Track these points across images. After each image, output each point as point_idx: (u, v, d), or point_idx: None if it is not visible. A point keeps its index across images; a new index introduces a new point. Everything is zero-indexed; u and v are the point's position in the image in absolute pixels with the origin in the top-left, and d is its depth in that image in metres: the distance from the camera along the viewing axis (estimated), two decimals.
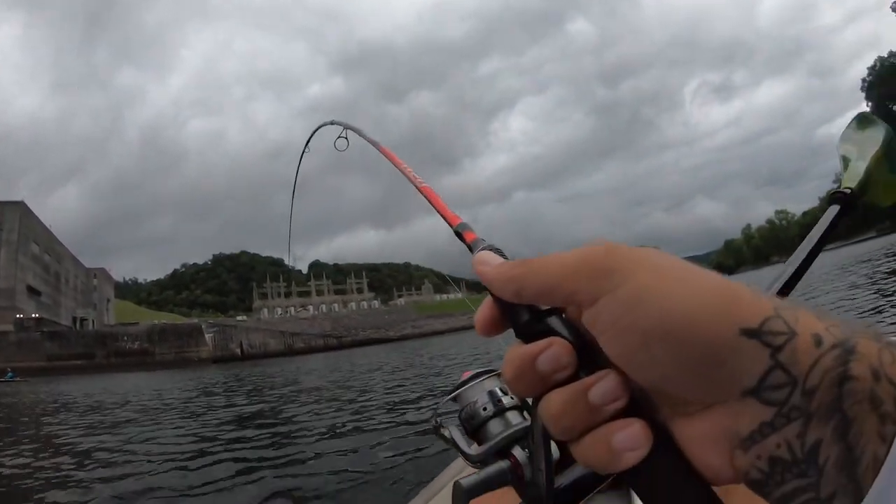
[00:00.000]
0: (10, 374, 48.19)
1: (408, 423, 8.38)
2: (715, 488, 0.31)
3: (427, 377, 15.19)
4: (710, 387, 0.29)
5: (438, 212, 0.60)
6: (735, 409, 0.29)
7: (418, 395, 11.50)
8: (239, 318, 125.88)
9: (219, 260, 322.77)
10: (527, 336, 0.35)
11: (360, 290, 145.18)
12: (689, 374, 0.29)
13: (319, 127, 1.29)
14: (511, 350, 0.35)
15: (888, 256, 26.08)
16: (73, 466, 7.29)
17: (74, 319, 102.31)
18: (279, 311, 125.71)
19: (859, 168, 0.96)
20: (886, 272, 17.91)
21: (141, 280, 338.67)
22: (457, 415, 0.76)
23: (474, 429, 0.73)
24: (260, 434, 8.88)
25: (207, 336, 77.19)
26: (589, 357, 0.33)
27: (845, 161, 1.00)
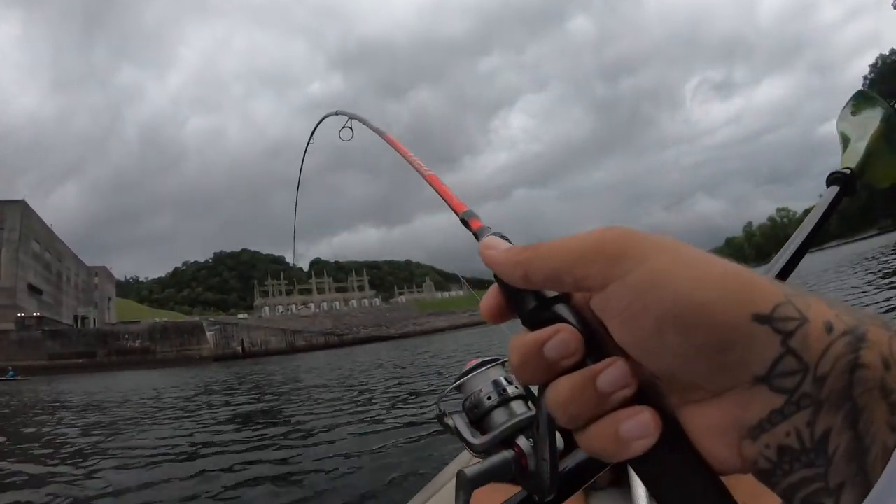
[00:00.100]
0: (11, 372, 48.28)
1: (411, 417, 8.37)
2: (722, 478, 0.31)
3: (428, 376, 15.17)
4: (721, 373, 0.29)
5: (444, 199, 0.59)
6: (745, 397, 0.29)
7: (421, 391, 11.49)
8: (240, 316, 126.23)
9: (220, 258, 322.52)
10: (533, 323, 0.35)
11: (361, 288, 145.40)
12: (700, 360, 0.29)
13: (325, 117, 1.28)
14: (518, 337, 0.34)
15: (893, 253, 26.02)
16: (71, 465, 7.25)
17: (76, 318, 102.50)
18: (280, 308, 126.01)
19: (859, 147, 0.93)
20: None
21: (142, 278, 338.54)
22: (461, 404, 0.75)
23: (478, 418, 0.72)
24: (261, 432, 8.85)
25: (209, 334, 77.39)
26: (596, 344, 0.33)
27: (844, 140, 0.97)
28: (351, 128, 1.11)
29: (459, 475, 0.66)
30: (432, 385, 12.45)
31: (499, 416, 0.70)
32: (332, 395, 13.65)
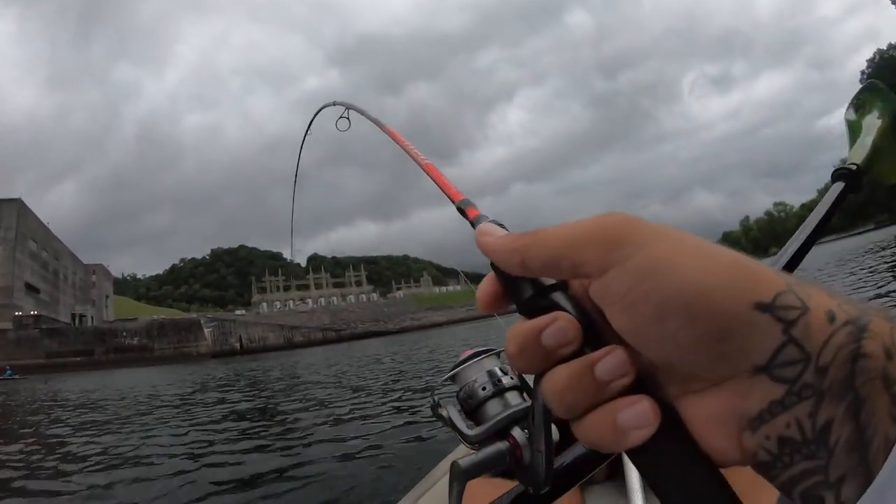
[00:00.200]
0: (8, 371, 48.22)
1: (408, 412, 8.38)
2: (721, 470, 0.30)
3: (426, 371, 15.10)
4: (722, 362, 0.28)
5: (441, 188, 0.59)
6: (745, 387, 0.28)
7: (418, 387, 11.43)
8: (238, 312, 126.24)
9: (217, 254, 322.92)
10: (530, 311, 0.34)
11: (358, 283, 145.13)
12: (700, 348, 0.28)
13: (322, 107, 1.28)
14: (515, 325, 0.34)
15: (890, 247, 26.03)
16: (66, 465, 7.23)
17: (73, 316, 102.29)
18: (278, 304, 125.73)
19: (866, 143, 0.92)
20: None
21: (139, 276, 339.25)
22: (455, 394, 0.74)
23: (472, 409, 0.71)
24: (258, 428, 8.83)
25: (206, 331, 77.29)
26: (595, 333, 0.32)
27: (851, 134, 0.96)
28: (348, 118, 1.10)
29: (453, 466, 0.66)
30: (429, 380, 12.39)
31: (493, 407, 0.69)
32: (329, 390, 13.63)
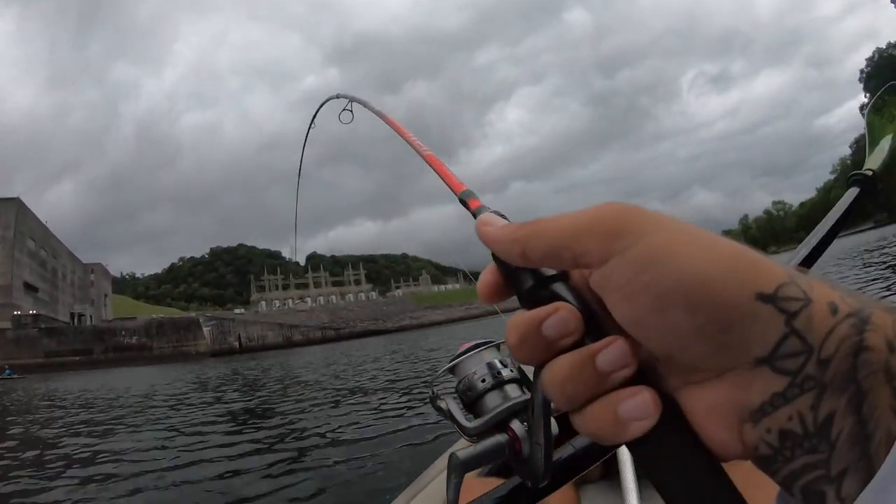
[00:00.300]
0: (7, 371, 48.20)
1: (407, 409, 8.38)
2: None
3: (425, 370, 15.09)
4: (723, 353, 0.28)
5: (443, 179, 0.58)
6: (746, 379, 0.28)
7: (417, 385, 11.42)
8: (237, 311, 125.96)
9: (216, 253, 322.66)
10: (531, 302, 0.34)
11: (357, 282, 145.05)
12: (701, 338, 0.28)
13: (327, 100, 1.28)
14: (515, 315, 0.33)
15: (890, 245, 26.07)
16: (62, 465, 7.21)
17: (72, 315, 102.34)
18: (277, 303, 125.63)
19: (883, 147, 0.90)
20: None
21: (138, 275, 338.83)
22: (454, 387, 0.74)
23: (472, 401, 0.71)
24: (257, 426, 8.81)
25: (205, 329, 77.35)
26: (596, 323, 0.32)
27: (870, 139, 0.94)
28: (351, 110, 1.10)
29: (451, 458, 0.65)
30: (427, 379, 12.37)
31: (493, 400, 0.69)
32: (327, 389, 13.61)
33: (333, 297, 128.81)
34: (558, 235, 0.32)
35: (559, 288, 0.34)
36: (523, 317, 0.33)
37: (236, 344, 77.23)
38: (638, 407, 0.29)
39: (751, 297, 0.27)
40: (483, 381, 0.70)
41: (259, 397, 13.99)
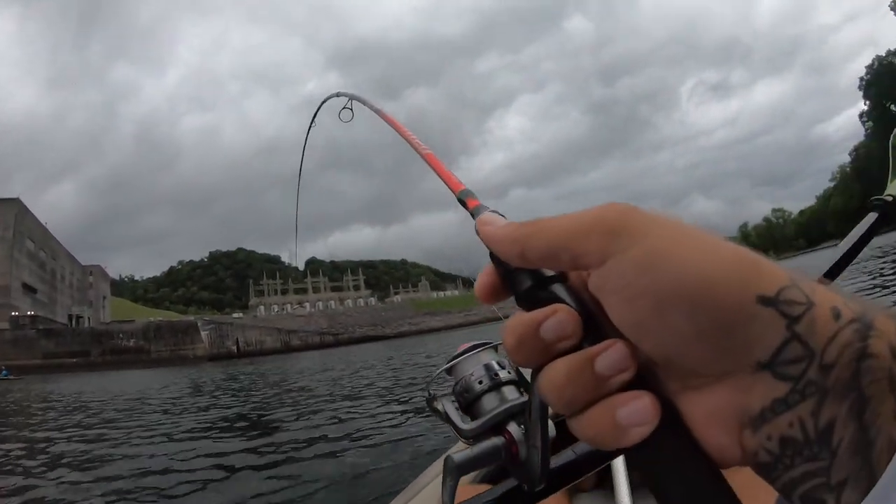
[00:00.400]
0: (4, 371, 48.01)
1: (405, 415, 8.37)
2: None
3: (423, 377, 15.04)
4: (723, 357, 0.28)
5: (442, 178, 0.58)
6: (747, 384, 0.28)
7: (415, 392, 11.37)
8: (235, 315, 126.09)
9: (215, 257, 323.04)
10: (529, 303, 0.34)
11: (356, 288, 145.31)
12: (701, 342, 0.28)
13: (328, 98, 1.26)
14: (513, 317, 0.33)
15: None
16: (51, 467, 7.16)
17: (70, 317, 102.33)
18: (276, 308, 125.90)
19: None
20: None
21: (137, 277, 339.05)
22: (451, 388, 0.73)
23: (469, 403, 0.70)
24: (254, 432, 8.76)
25: (203, 333, 77.29)
26: (595, 326, 0.31)
27: (893, 165, 0.94)
28: (351, 108, 1.10)
29: (447, 461, 0.64)
30: (425, 384, 12.34)
31: (490, 402, 0.68)
32: (324, 394, 13.57)
33: (332, 302, 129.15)
34: (557, 235, 0.31)
35: (558, 289, 0.33)
36: (521, 318, 0.32)
37: (234, 348, 77.18)
38: (637, 412, 0.29)
39: (752, 300, 0.27)
40: (480, 382, 0.70)
41: (254, 402, 13.92)
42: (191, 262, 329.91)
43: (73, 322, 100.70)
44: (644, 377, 0.30)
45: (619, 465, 1.00)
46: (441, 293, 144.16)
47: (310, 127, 1.52)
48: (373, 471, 5.51)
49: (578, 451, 0.67)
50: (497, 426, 0.65)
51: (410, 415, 8.35)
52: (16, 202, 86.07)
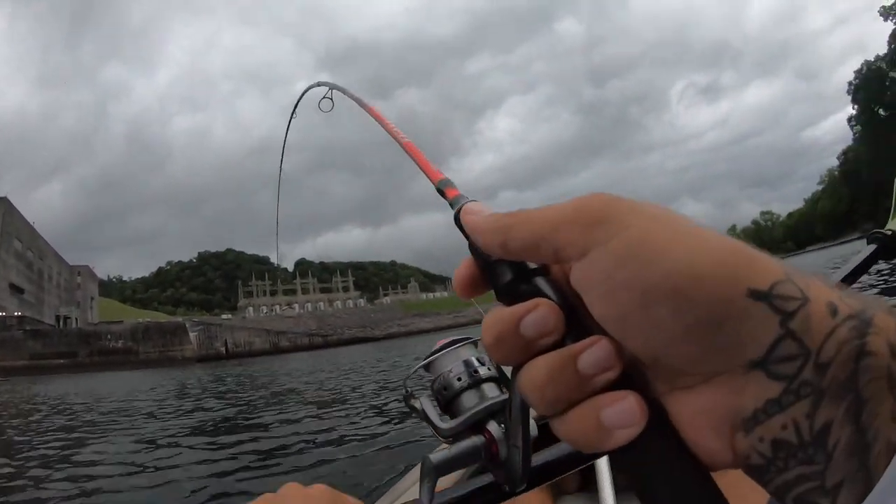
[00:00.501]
0: None
1: (390, 416, 8.41)
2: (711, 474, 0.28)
3: (411, 378, 15.11)
4: (713, 355, 0.26)
5: (421, 168, 0.56)
6: (738, 384, 0.26)
7: (400, 393, 11.43)
8: (224, 316, 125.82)
9: (204, 258, 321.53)
10: (510, 297, 0.32)
11: (346, 289, 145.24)
12: (690, 338, 0.26)
13: (308, 88, 1.25)
14: (492, 312, 0.31)
15: None
16: (32, 469, 7.15)
17: (58, 318, 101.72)
18: (264, 309, 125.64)
19: None
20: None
21: (126, 278, 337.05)
22: (429, 385, 0.71)
23: (447, 401, 0.67)
24: (239, 435, 8.73)
25: (192, 335, 76.95)
26: (578, 322, 0.30)
27: None
28: (331, 98, 1.08)
29: (424, 461, 0.63)
30: (411, 387, 12.37)
31: (469, 399, 0.66)
32: (311, 396, 13.60)
33: (321, 303, 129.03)
34: (539, 226, 0.30)
35: (540, 282, 0.32)
36: (500, 314, 0.31)
37: (223, 349, 76.86)
38: (623, 413, 0.27)
39: (742, 294, 0.25)
40: (459, 379, 0.67)
41: (240, 405, 13.87)
42: (179, 262, 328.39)
43: (61, 323, 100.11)
44: (630, 376, 0.29)
45: (603, 466, 0.98)
46: (430, 295, 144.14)
47: (291, 117, 1.50)
48: (356, 474, 5.54)
49: (559, 451, 0.66)
50: (477, 425, 0.63)
51: (396, 418, 8.38)
52: (3, 201, 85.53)
